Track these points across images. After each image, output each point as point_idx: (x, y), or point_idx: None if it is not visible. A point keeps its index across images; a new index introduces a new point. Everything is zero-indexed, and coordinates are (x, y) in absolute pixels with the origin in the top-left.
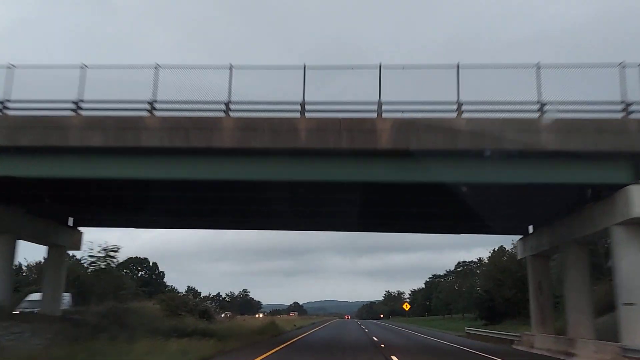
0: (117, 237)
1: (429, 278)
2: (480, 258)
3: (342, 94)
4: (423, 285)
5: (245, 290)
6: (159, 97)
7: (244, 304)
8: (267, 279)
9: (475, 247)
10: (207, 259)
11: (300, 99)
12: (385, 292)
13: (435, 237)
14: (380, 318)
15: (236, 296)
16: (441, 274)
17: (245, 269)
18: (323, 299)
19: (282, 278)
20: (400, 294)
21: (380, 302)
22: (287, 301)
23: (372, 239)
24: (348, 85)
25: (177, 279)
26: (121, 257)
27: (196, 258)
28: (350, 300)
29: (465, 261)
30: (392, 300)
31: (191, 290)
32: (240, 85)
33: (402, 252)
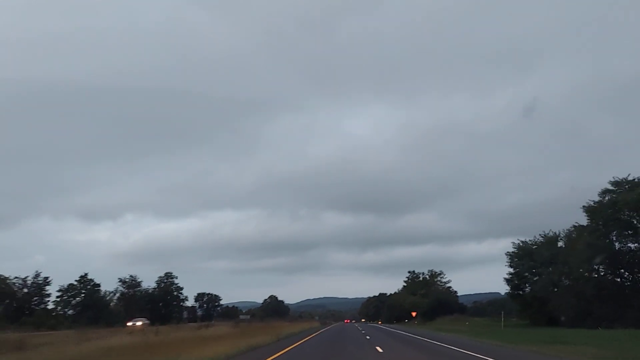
0: (107, 236)
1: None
2: None
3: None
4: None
5: (169, 275)
6: None
7: (161, 300)
8: (265, 276)
9: (487, 239)
10: (203, 256)
11: None
12: (408, 275)
13: (443, 228)
14: (413, 318)
15: (137, 290)
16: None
17: (243, 266)
18: (322, 296)
19: (281, 275)
20: (435, 275)
21: (398, 293)
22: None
23: (375, 232)
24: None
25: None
26: None
27: (190, 256)
28: (351, 297)
29: None
30: (420, 287)
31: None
32: None
33: (408, 245)
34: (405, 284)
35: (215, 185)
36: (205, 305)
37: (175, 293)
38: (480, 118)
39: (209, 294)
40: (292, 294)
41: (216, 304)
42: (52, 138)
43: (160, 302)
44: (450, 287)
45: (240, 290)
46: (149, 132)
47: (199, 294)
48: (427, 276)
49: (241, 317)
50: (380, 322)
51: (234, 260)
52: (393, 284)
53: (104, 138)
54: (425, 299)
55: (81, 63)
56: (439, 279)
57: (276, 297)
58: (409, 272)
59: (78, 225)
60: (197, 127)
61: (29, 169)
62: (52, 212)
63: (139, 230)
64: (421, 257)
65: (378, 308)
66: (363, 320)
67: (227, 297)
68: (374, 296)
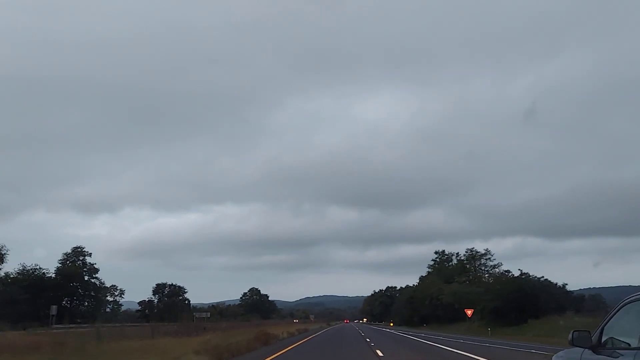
0: (106, 232)
1: None
2: None
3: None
4: None
5: (80, 252)
6: None
7: (58, 288)
8: (263, 273)
9: (493, 237)
10: (203, 252)
11: None
12: (436, 256)
13: (448, 225)
14: (469, 320)
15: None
16: None
17: (241, 263)
18: (321, 294)
19: (280, 272)
20: (476, 256)
21: (422, 283)
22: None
23: (379, 228)
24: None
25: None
26: None
27: (190, 251)
28: (351, 295)
29: None
30: (458, 272)
31: None
32: None
33: (412, 242)
34: (430, 270)
35: (216, 177)
36: (166, 299)
37: (87, 278)
38: (497, 105)
39: (171, 284)
40: (291, 291)
41: (180, 297)
42: (48, 127)
43: (57, 291)
44: (509, 271)
45: (238, 286)
46: (147, 121)
47: (158, 285)
48: (463, 258)
49: (197, 315)
50: (392, 324)
51: (233, 256)
52: (395, 283)
53: (101, 128)
54: (475, 288)
55: (77, 52)
56: (482, 261)
57: (259, 291)
58: (436, 252)
59: (75, 218)
60: (198, 115)
61: (23, 159)
62: (48, 204)
63: (137, 224)
64: (426, 255)
65: (386, 305)
66: (365, 320)
67: (223, 295)
68: (380, 291)
